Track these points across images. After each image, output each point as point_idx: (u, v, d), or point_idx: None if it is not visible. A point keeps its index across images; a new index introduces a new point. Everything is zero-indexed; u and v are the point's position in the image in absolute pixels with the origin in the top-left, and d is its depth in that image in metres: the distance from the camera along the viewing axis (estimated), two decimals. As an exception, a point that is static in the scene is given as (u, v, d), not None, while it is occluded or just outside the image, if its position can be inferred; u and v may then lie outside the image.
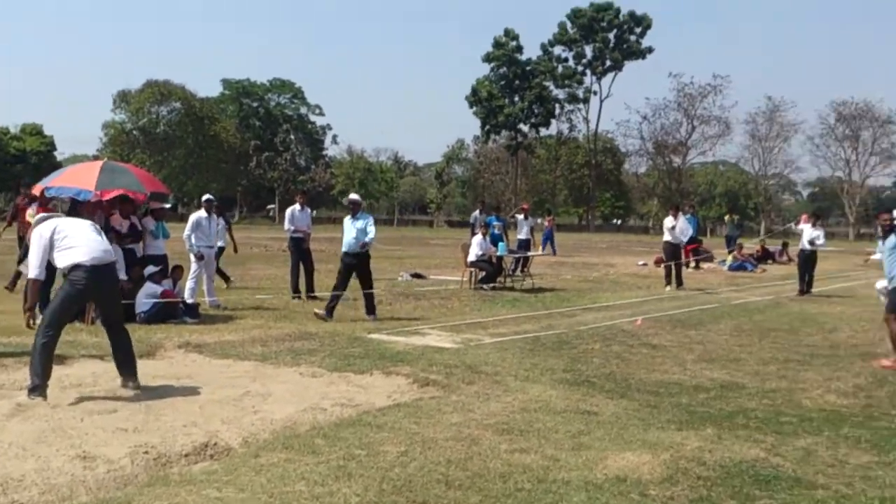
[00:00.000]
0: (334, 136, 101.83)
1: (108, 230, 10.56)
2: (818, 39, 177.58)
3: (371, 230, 11.32)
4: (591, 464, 4.78)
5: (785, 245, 28.25)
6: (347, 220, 11.47)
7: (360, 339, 9.28)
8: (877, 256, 10.45)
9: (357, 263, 11.31)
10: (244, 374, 7.30)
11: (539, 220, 29.62)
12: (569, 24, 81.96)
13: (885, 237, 8.70)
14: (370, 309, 11.30)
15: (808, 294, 16.10)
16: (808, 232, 16.49)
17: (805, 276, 16.43)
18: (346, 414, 5.89)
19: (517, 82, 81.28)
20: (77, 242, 6.30)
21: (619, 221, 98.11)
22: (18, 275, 12.53)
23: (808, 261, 16.48)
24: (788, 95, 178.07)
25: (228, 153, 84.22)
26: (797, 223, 19.25)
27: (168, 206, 12.67)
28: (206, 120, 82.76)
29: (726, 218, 28.36)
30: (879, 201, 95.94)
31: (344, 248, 11.36)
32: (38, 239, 6.30)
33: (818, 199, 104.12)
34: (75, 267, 6.18)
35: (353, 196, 11.95)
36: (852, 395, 6.94)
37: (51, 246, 6.26)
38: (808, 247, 16.38)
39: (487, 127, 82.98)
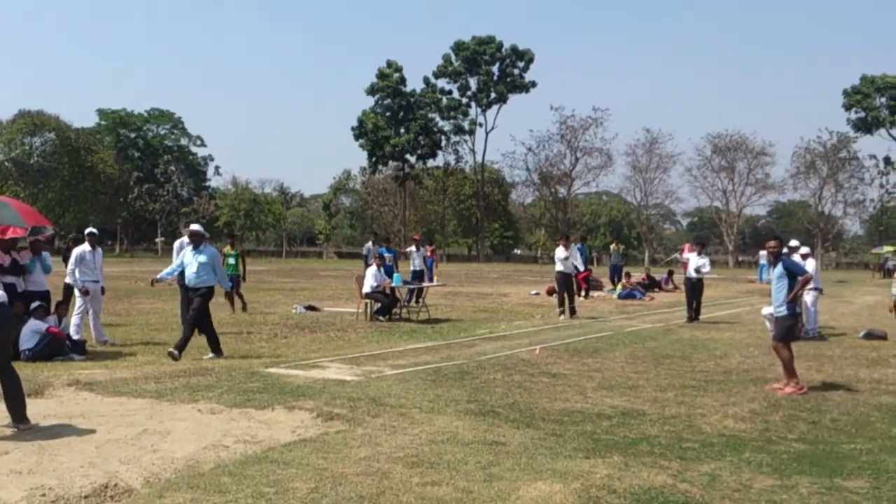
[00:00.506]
0: (217, 167, 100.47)
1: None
2: (695, 73, 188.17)
3: (219, 270, 10.83)
4: (504, 495, 4.82)
5: (670, 273, 29.54)
6: (188, 251, 10.83)
7: (258, 374, 9.09)
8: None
9: (197, 298, 10.61)
10: (139, 412, 7.02)
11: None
12: (453, 57, 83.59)
13: (774, 264, 9.01)
14: (214, 348, 10.65)
15: (696, 321, 16.71)
16: (695, 260, 17.10)
17: (692, 303, 17.00)
18: (250, 451, 5.75)
19: (402, 114, 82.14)
20: None
21: (511, 251, 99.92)
22: None
23: (694, 288, 17.04)
24: (665, 128, 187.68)
25: (107, 185, 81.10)
26: (681, 252, 20.17)
27: (51, 232, 12.10)
28: (82, 151, 79.50)
29: (612, 247, 29.32)
30: (755, 230, 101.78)
31: (188, 282, 10.76)
32: None
33: (697, 228, 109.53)
34: None
35: (195, 227, 11.11)
36: (749, 420, 7.21)
37: None
38: (694, 275, 16.96)
39: (374, 158, 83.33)
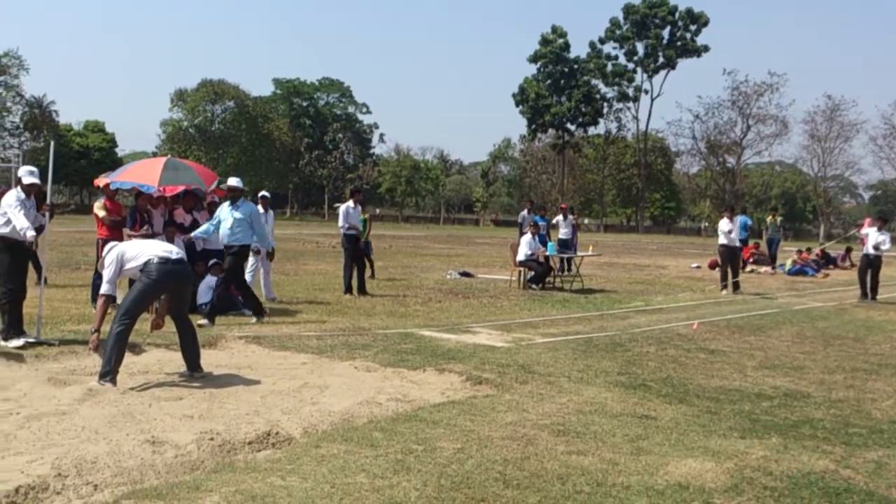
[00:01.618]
0: (381, 135, 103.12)
1: (170, 223, 10.89)
2: (879, 36, 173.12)
3: (258, 227, 10.32)
4: (652, 469, 4.72)
5: (848, 250, 27.56)
6: (225, 207, 10.27)
7: (411, 336, 9.36)
8: None
9: (230, 257, 10.15)
10: (301, 366, 7.44)
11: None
12: (621, 20, 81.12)
13: None
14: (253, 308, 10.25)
15: (872, 300, 15.69)
16: (874, 236, 16.04)
17: (867, 281, 16.00)
18: (401, 409, 5.95)
19: (564, 81, 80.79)
20: (146, 247, 6.73)
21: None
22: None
23: (871, 266, 16.03)
24: (849, 94, 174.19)
25: (280, 151, 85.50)
26: (859, 228, 18.78)
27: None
28: (259, 119, 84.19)
29: (768, 219, 26.91)
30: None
31: (223, 241, 10.19)
32: (110, 260, 6.65)
33: (881, 202, 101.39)
34: (149, 262, 6.50)
35: (233, 181, 10.57)
36: (924, 407, 6.71)
37: (120, 266, 6.61)
38: (872, 251, 15.96)
39: (534, 126, 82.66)
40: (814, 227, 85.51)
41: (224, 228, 10.15)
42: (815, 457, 5.11)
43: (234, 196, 10.30)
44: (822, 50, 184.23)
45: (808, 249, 24.94)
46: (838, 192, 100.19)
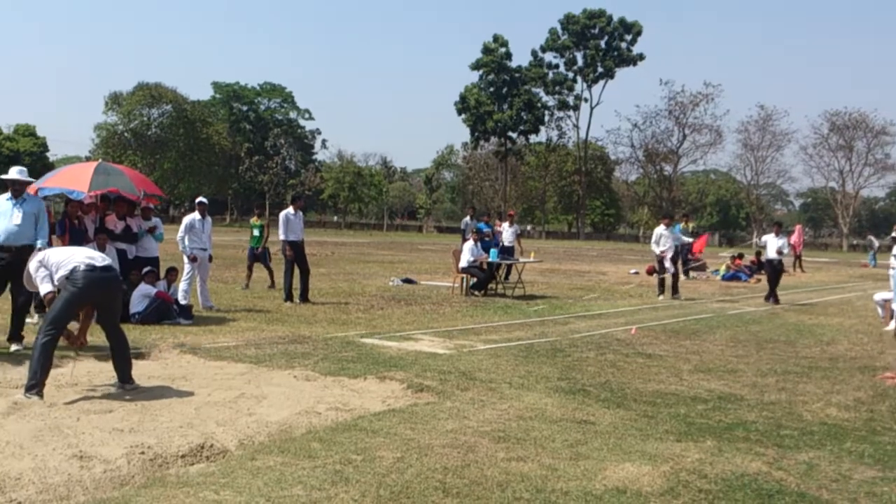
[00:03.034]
0: (324, 141, 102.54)
1: (102, 230, 10.59)
2: (813, 47, 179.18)
3: (44, 228, 8.38)
4: (590, 474, 4.75)
5: (758, 255, 28.29)
6: (3, 199, 8.31)
7: (352, 344, 9.27)
8: (891, 270, 10.21)
9: (13, 263, 8.02)
10: (239, 376, 7.28)
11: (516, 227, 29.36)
12: (560, 30, 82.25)
13: None
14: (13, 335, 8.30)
15: (775, 303, 16.34)
16: (774, 242, 16.76)
17: (776, 285, 16.76)
18: (341, 418, 5.86)
19: (506, 89, 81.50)
20: (72, 254, 6.53)
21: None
22: None
23: (774, 270, 16.77)
24: (781, 104, 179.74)
25: (220, 156, 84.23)
26: (790, 236, 19.45)
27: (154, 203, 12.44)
28: (197, 123, 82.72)
29: (681, 225, 26.65)
30: (872, 212, 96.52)
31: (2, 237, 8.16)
32: (34, 267, 6.48)
33: (810, 210, 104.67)
34: (74, 270, 6.30)
35: (15, 171, 8.43)
36: (853, 409, 6.87)
37: (49, 271, 6.43)
38: (776, 257, 16.66)
39: (476, 134, 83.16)
40: (747, 234, 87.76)
41: (8, 225, 8.17)
42: (748, 459, 5.21)
43: (15, 189, 8.33)
44: (755, 61, 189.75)
45: (741, 255, 25.53)
46: (770, 200, 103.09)
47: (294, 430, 5.51)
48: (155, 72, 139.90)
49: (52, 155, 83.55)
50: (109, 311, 6.64)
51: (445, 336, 10.26)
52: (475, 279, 15.85)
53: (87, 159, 69.59)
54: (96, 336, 6.78)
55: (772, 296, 16.67)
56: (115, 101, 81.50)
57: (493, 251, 17.09)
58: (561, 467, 4.87)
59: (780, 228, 17.58)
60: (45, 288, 6.40)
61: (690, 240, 26.13)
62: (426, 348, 9.18)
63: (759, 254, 25.36)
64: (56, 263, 6.40)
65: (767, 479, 4.83)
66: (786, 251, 16.82)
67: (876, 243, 38.73)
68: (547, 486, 4.54)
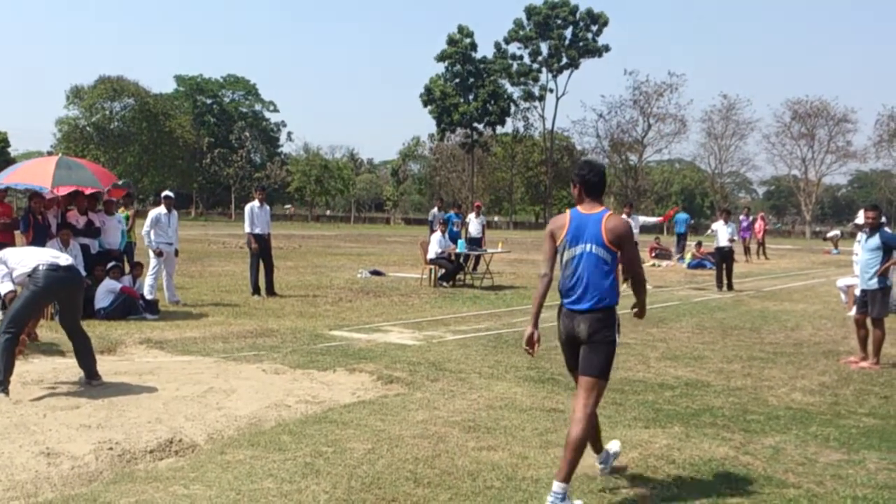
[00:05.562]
0: (289, 133, 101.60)
1: (64, 226, 10.44)
2: (775, 36, 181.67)
3: None
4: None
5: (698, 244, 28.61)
6: None
7: (321, 336, 9.26)
8: (855, 257, 10.33)
9: None
10: (206, 371, 7.24)
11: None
12: (525, 21, 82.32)
13: (870, 235, 8.61)
14: None
15: (729, 290, 16.50)
16: (724, 230, 16.99)
17: (724, 272, 16.89)
18: (311, 411, 5.87)
19: (472, 80, 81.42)
20: (34, 253, 6.53)
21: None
22: None
23: (726, 257, 16.97)
24: (744, 93, 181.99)
25: (183, 150, 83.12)
26: (754, 223, 19.67)
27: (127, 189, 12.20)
28: (160, 116, 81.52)
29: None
30: (835, 199, 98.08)
31: None
32: None
33: (774, 197, 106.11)
34: (36, 268, 6.25)
35: None
36: (818, 393, 7.01)
37: (9, 270, 6.34)
38: (726, 244, 16.87)
39: (442, 125, 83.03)
40: (712, 222, 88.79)
41: None
42: (715, 444, 5.31)
43: None
44: (718, 51, 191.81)
45: (699, 244, 25.82)
46: (734, 188, 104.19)
47: (263, 423, 5.51)
48: (117, 65, 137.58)
49: (14, 150, 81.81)
50: (71, 310, 6.59)
51: (414, 327, 10.28)
52: (443, 270, 15.88)
53: (50, 154, 68.34)
54: (54, 333, 6.69)
55: (724, 283, 16.74)
56: (76, 94, 79.99)
57: (461, 242, 17.13)
58: (531, 455, 4.92)
59: (729, 216, 17.69)
60: (4, 287, 6.33)
61: (654, 219, 26.32)
62: (395, 340, 9.20)
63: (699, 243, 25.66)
64: (16, 262, 6.32)
65: (735, 463, 4.92)
66: (736, 238, 16.94)
67: (839, 233, 39.54)
68: (517, 474, 4.59)
